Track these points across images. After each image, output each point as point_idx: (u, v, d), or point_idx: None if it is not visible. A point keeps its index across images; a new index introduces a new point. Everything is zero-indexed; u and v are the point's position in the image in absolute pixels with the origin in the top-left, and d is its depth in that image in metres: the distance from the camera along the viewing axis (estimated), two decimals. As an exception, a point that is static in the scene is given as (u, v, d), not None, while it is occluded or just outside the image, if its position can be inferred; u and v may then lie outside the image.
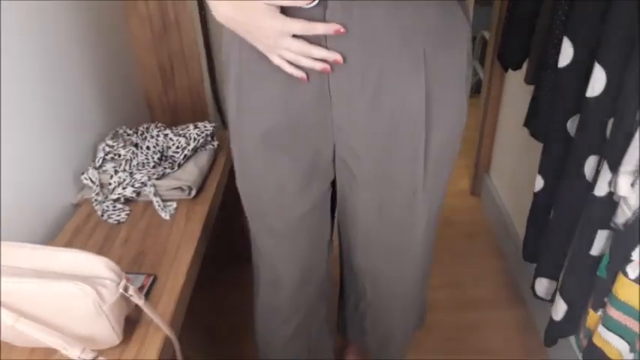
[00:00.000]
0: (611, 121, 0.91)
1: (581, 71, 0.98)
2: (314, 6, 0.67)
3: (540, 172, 1.16)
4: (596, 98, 0.91)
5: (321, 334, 1.17)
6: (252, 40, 0.72)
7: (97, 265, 0.75)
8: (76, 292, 0.71)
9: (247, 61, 0.77)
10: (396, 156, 0.80)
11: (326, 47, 0.70)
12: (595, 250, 0.93)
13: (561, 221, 1.07)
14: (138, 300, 0.77)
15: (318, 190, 0.91)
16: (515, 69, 1.49)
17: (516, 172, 1.77)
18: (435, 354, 1.46)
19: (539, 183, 1.17)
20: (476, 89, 2.87)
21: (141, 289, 0.92)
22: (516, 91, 1.74)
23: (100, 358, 0.73)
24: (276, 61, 0.72)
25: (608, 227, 0.90)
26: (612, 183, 0.77)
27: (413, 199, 0.86)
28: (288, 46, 0.69)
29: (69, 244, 1.04)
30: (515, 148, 1.76)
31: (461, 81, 0.77)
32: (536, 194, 1.19)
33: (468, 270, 1.77)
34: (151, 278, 0.94)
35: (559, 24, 1.07)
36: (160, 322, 0.80)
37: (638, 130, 0.72)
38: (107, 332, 0.76)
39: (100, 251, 1.02)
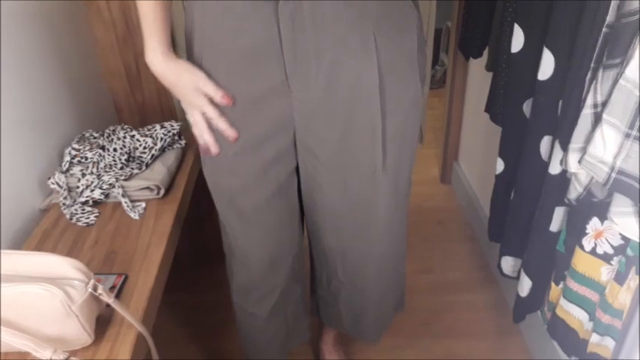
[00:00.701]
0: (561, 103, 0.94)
1: (532, 56, 1.02)
2: (267, 1, 0.70)
3: (500, 155, 1.19)
4: (547, 81, 0.94)
5: (298, 314, 1.19)
6: (176, 93, 0.86)
7: (65, 267, 0.75)
8: (43, 293, 0.71)
9: (208, 40, 0.81)
10: (356, 136, 0.84)
11: (280, 37, 0.73)
12: (554, 227, 0.96)
13: (521, 201, 1.10)
14: (107, 298, 0.78)
15: (283, 173, 0.94)
16: (476, 57, 1.53)
17: (483, 157, 1.81)
18: (412, 338, 1.49)
19: (500, 165, 1.21)
20: (444, 80, 2.91)
21: (112, 288, 0.92)
22: (479, 79, 1.77)
23: (72, 358, 0.74)
24: (196, 117, 0.86)
25: (564, 204, 0.93)
26: (563, 160, 0.80)
27: (374, 178, 0.90)
28: (202, 106, 0.83)
29: (38, 248, 1.04)
30: (481, 135, 1.80)
31: (413, 65, 0.80)
32: (497, 176, 1.22)
33: (440, 255, 1.81)
34: (122, 278, 0.95)
35: (510, 11, 1.10)
36: (131, 319, 0.81)
37: (583, 109, 0.75)
38: (78, 332, 0.77)
39: (70, 254, 1.02)
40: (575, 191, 0.80)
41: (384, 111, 0.81)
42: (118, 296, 0.91)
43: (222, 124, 0.84)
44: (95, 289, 0.76)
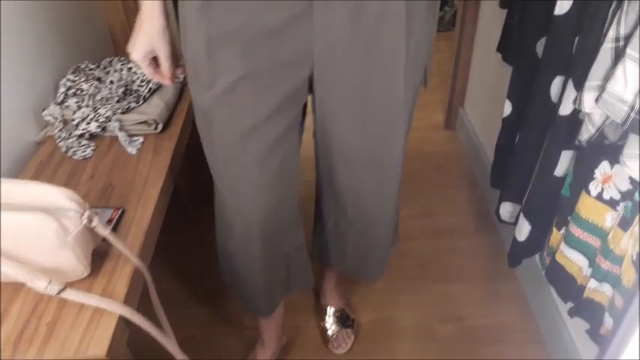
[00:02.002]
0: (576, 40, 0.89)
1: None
2: None
3: (509, 96, 1.15)
4: (564, 16, 0.88)
5: (301, 259, 1.18)
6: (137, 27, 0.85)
7: (60, 197, 0.73)
8: (37, 223, 0.70)
9: None
10: (379, 70, 0.81)
11: None
12: (559, 171, 0.94)
13: (526, 144, 1.07)
14: (103, 231, 0.76)
15: (295, 112, 0.90)
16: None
17: (490, 102, 1.77)
18: (408, 280, 1.49)
19: (507, 108, 1.17)
20: (453, 22, 2.81)
21: (109, 222, 0.91)
22: (491, 21, 1.70)
23: (67, 289, 0.73)
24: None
25: (572, 147, 0.90)
26: (577, 100, 0.76)
27: (394, 115, 0.88)
28: (142, 65, 0.88)
29: (33, 179, 1.02)
30: (490, 79, 1.75)
31: (432, 10, 0.81)
32: (504, 119, 1.18)
33: (440, 200, 1.80)
34: (119, 211, 0.93)
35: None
36: (127, 253, 0.80)
37: (603, 44, 0.71)
38: (73, 264, 0.75)
39: (66, 186, 0.98)
40: (587, 132, 0.77)
41: (408, 47, 0.79)
42: (114, 230, 0.89)
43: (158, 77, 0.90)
44: (90, 220, 0.74)
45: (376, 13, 0.75)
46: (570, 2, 0.87)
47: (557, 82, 0.94)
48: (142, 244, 0.88)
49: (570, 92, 0.82)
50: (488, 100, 1.78)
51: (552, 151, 0.91)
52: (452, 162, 1.99)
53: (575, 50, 0.84)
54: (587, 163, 0.85)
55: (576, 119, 0.84)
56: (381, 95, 0.85)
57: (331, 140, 0.95)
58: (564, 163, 0.93)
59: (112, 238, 0.78)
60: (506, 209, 1.16)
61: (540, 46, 1.04)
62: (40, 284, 0.72)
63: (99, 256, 0.83)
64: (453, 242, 1.63)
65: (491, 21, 1.69)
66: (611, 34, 0.68)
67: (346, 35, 0.78)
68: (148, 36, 0.84)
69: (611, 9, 0.71)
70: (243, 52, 0.79)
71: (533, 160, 1.07)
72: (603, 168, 0.83)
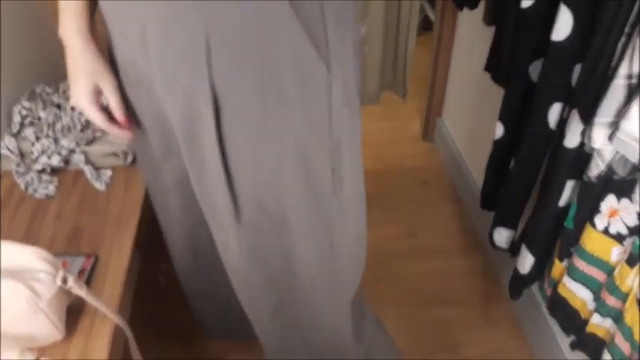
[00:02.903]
0: (577, 67, 0.90)
1: (545, 11, 0.96)
2: None
3: (501, 118, 1.15)
4: (562, 43, 0.89)
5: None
6: (72, 69, 0.78)
7: (28, 257, 0.68)
8: (6, 292, 0.64)
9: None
10: None
11: None
12: (562, 201, 0.94)
13: (523, 170, 1.07)
14: (79, 291, 0.71)
15: None
16: (471, 8, 1.46)
17: (471, 115, 1.78)
18: (400, 306, 1.48)
19: (499, 130, 1.17)
20: (424, 26, 2.83)
21: (81, 272, 0.86)
22: (471, 30, 1.71)
23: (42, 358, 0.68)
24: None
25: (577, 178, 0.90)
26: (586, 135, 0.76)
27: None
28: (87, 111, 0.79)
29: (-9, 225, 0.95)
30: (470, 91, 1.76)
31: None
32: (496, 142, 1.18)
33: (425, 218, 1.79)
34: (92, 259, 0.88)
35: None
36: (107, 312, 0.75)
37: (615, 80, 0.71)
38: (47, 329, 0.71)
39: (29, 232, 0.94)
40: (596, 168, 0.77)
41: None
42: (88, 282, 0.84)
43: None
44: (65, 281, 0.69)
45: None
46: (570, 27, 0.87)
47: (555, 108, 0.95)
48: (120, 296, 0.83)
49: (576, 124, 0.82)
50: (469, 111, 1.79)
51: (556, 181, 0.91)
52: (433, 176, 1.99)
53: (579, 81, 0.84)
54: (593, 196, 0.86)
55: (583, 152, 0.84)
56: None
57: None
58: (567, 193, 0.93)
59: (90, 299, 0.73)
60: (502, 235, 1.16)
61: (534, 69, 1.04)
62: (11, 355, 0.66)
63: (73, 312, 0.78)
64: (441, 263, 1.63)
65: (472, 32, 1.70)
66: (623, 70, 0.68)
67: None
68: (84, 75, 0.76)
69: (620, 44, 0.71)
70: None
71: (530, 186, 1.08)
72: (610, 202, 0.83)
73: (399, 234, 1.72)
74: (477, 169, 1.74)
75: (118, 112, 0.79)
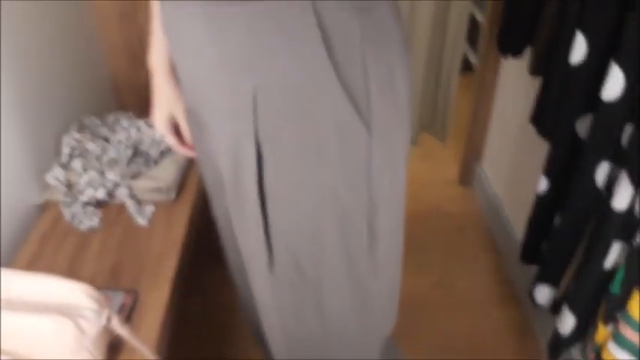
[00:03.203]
0: (629, 126, 0.90)
1: (595, 69, 0.96)
2: None
3: (546, 172, 1.15)
4: (613, 102, 0.89)
5: None
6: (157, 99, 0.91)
7: (76, 294, 0.71)
8: (54, 327, 0.67)
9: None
10: None
11: None
12: (608, 263, 0.93)
13: (568, 228, 1.06)
14: (122, 330, 0.73)
15: None
16: (515, 56, 1.47)
17: (512, 163, 1.77)
18: (431, 355, 1.46)
19: (543, 184, 1.16)
20: (465, 66, 2.85)
21: (121, 309, 0.88)
22: (515, 77, 1.72)
23: (81, 395, 0.70)
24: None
25: (625, 239, 0.89)
26: (636, 200, 0.76)
27: None
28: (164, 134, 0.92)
29: (37, 255, 0.99)
30: (512, 138, 1.76)
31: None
32: (539, 196, 1.18)
33: (460, 266, 1.78)
34: (132, 297, 0.90)
35: (572, 14, 1.04)
36: (144, 350, 0.77)
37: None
38: (88, 366, 0.72)
39: (73, 264, 0.97)
40: (645, 236, 0.77)
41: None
42: (128, 318, 0.86)
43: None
44: (109, 320, 0.71)
45: None
46: (621, 87, 0.87)
47: (603, 167, 0.94)
48: (158, 336, 0.85)
49: (626, 186, 0.82)
50: (510, 159, 1.79)
51: (602, 243, 0.90)
52: (469, 223, 1.98)
53: (630, 142, 0.84)
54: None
55: (632, 216, 0.83)
56: None
57: None
58: (614, 254, 0.92)
59: (129, 336, 0.75)
60: (543, 293, 1.15)
61: (581, 124, 1.04)
62: (51, 391, 0.68)
63: (111, 348, 0.80)
64: (476, 315, 1.60)
65: (515, 79, 1.71)
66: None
67: None
68: (164, 104, 0.89)
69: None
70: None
71: (575, 244, 1.07)
72: (659, 268, 0.82)
73: (433, 282, 1.70)
74: (515, 219, 1.72)
75: (187, 136, 0.92)
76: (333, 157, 0.68)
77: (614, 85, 0.89)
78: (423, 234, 1.92)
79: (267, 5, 0.60)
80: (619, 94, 0.88)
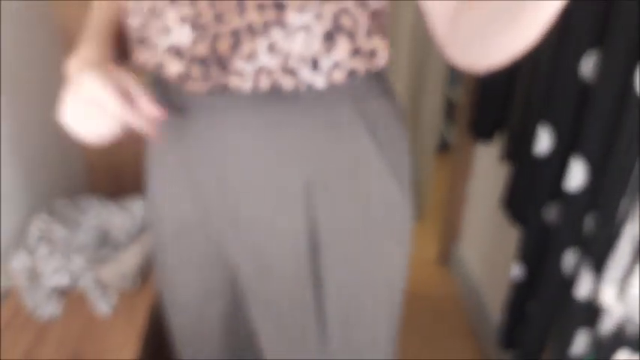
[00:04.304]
0: (590, 216, 0.93)
1: (559, 160, 1.01)
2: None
3: (519, 258, 1.17)
4: (576, 193, 0.93)
5: None
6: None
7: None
8: None
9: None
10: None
11: None
12: (576, 351, 0.93)
13: (540, 314, 1.07)
14: None
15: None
16: (486, 140, 1.53)
17: (489, 243, 1.80)
18: None
19: (516, 269, 1.18)
20: (442, 145, 2.94)
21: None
22: (488, 161, 1.78)
23: None
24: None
25: (589, 327, 0.90)
26: (595, 290, 0.78)
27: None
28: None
29: (-8, 346, 0.97)
30: (488, 219, 1.79)
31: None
32: (514, 281, 1.19)
33: (437, 353, 1.76)
34: (89, 393, 0.88)
35: (536, 106, 1.10)
36: None
37: (622, 238, 0.74)
38: None
39: (29, 355, 0.95)
40: (610, 323, 0.78)
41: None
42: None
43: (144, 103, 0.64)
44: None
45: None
46: (582, 179, 0.92)
47: (568, 256, 0.97)
48: None
49: (586, 275, 0.84)
50: (487, 240, 1.81)
51: (566, 332, 0.91)
52: (447, 306, 1.97)
53: (593, 232, 0.87)
54: (606, 349, 0.85)
55: (593, 306, 0.85)
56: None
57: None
58: (580, 344, 0.93)
59: None
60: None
61: (549, 211, 1.08)
62: None
63: None
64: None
65: (489, 161, 1.77)
66: (630, 229, 0.71)
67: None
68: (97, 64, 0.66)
69: (627, 201, 0.75)
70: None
71: (547, 330, 1.07)
72: (625, 355, 0.82)
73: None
74: (493, 301, 1.73)
75: (146, 102, 0.64)
76: (381, 225, 0.73)
77: (575, 175, 0.93)
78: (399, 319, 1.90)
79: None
80: (580, 185, 0.92)
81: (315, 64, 0.62)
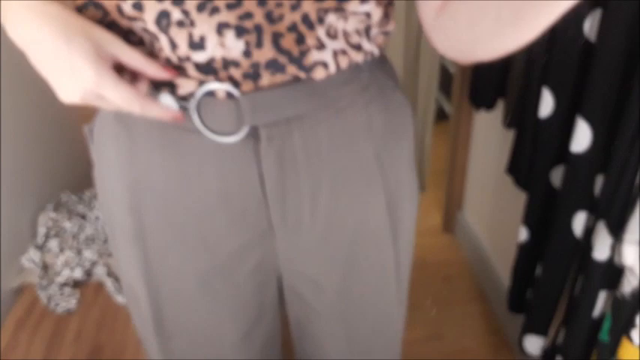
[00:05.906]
0: (600, 177, 0.92)
1: (563, 122, 1.00)
2: (238, 139, 0.58)
3: (525, 222, 1.16)
4: (582, 155, 0.91)
5: None
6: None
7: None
8: None
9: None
10: (363, 280, 0.74)
11: (262, 181, 0.62)
12: (596, 312, 0.93)
13: (550, 277, 1.07)
14: None
15: (264, 334, 0.80)
16: (488, 109, 1.51)
17: (493, 210, 1.79)
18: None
19: (523, 234, 1.17)
20: (440, 115, 2.91)
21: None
22: (489, 129, 1.76)
23: None
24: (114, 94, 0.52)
25: (610, 287, 0.90)
26: (616, 251, 0.77)
27: (386, 314, 0.81)
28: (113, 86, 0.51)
29: (12, 343, 0.96)
30: (491, 187, 1.78)
31: (412, 168, 0.74)
32: (521, 246, 1.19)
33: (449, 318, 1.76)
34: (112, 383, 0.88)
35: (537, 70, 1.08)
36: None
37: None
38: None
39: (49, 351, 0.94)
40: (629, 285, 0.77)
41: (395, 237, 0.72)
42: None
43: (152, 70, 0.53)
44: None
45: (354, 223, 0.68)
46: (589, 141, 0.90)
47: (579, 218, 0.96)
48: None
49: (604, 237, 0.83)
50: (491, 207, 1.80)
51: (589, 294, 0.91)
52: (456, 272, 1.97)
53: (603, 192, 0.86)
54: (628, 309, 0.85)
55: (613, 266, 0.84)
56: (371, 306, 0.78)
57: (313, 352, 0.86)
58: (600, 304, 0.92)
59: None
60: (532, 342, 1.14)
61: (555, 175, 1.06)
62: None
63: None
64: (467, 367, 1.58)
65: (490, 129, 1.75)
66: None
67: (319, 251, 0.69)
68: (80, 33, 0.50)
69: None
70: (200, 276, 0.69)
71: (559, 293, 1.07)
72: (645, 316, 0.82)
73: (423, 336, 1.68)
74: (501, 267, 1.73)
75: (150, 64, 0.53)
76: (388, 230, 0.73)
77: (581, 137, 0.92)
78: (409, 286, 1.91)
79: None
80: (587, 147, 0.91)
81: (368, 34, 0.61)
